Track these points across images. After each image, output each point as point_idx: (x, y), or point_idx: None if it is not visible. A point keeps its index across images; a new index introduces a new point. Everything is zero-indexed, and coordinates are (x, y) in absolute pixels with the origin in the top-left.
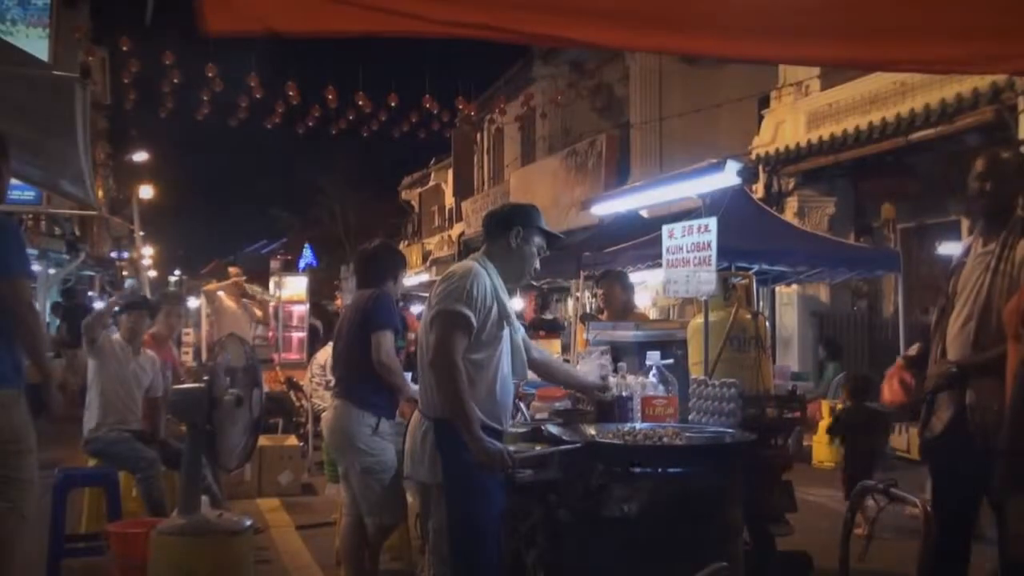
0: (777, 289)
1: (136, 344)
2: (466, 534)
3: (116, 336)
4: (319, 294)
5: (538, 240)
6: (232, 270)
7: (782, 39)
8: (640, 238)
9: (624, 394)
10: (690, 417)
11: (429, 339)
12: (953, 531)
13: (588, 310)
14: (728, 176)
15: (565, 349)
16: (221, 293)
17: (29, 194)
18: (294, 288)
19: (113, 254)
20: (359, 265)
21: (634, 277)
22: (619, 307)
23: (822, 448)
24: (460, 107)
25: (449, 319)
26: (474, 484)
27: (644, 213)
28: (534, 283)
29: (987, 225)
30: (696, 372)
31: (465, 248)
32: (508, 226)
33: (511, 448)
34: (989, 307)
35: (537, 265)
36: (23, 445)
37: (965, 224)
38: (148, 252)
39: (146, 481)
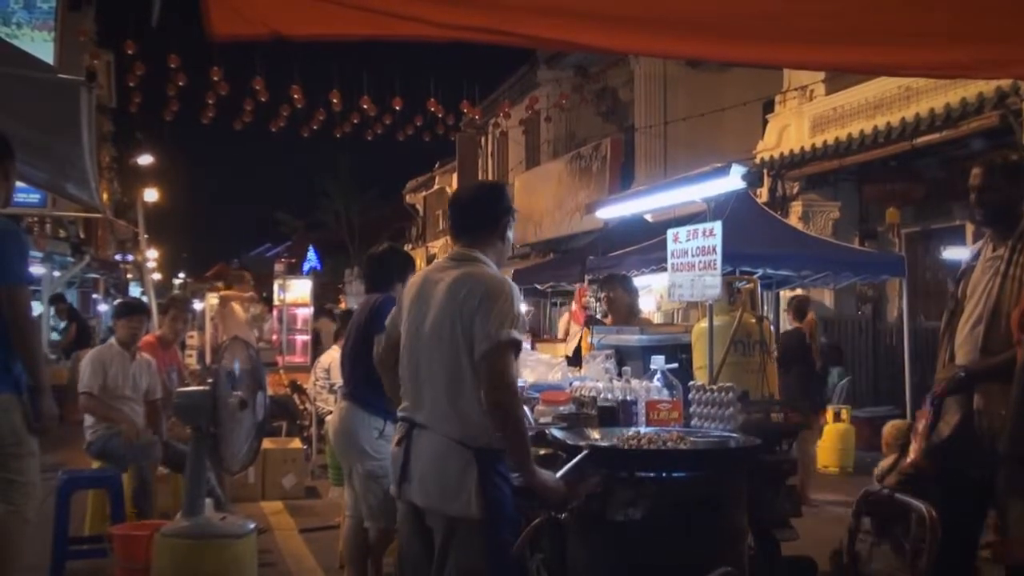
0: (781, 293)
1: (133, 348)
2: (506, 568)
3: (113, 341)
4: (323, 297)
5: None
6: (246, 275)
7: (787, 43)
8: (645, 242)
9: (629, 398)
10: (692, 423)
11: (483, 367)
12: (959, 536)
13: (593, 314)
14: (733, 180)
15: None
16: (235, 303)
17: (34, 197)
18: (298, 291)
19: (118, 257)
20: (367, 269)
21: (639, 281)
22: (623, 311)
23: (827, 453)
24: (464, 111)
25: (509, 349)
26: (510, 516)
27: (648, 217)
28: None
29: (996, 230)
30: (701, 376)
31: None
32: (500, 217)
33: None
34: (998, 312)
35: None
36: (24, 448)
37: (970, 229)
38: (152, 255)
39: (139, 470)
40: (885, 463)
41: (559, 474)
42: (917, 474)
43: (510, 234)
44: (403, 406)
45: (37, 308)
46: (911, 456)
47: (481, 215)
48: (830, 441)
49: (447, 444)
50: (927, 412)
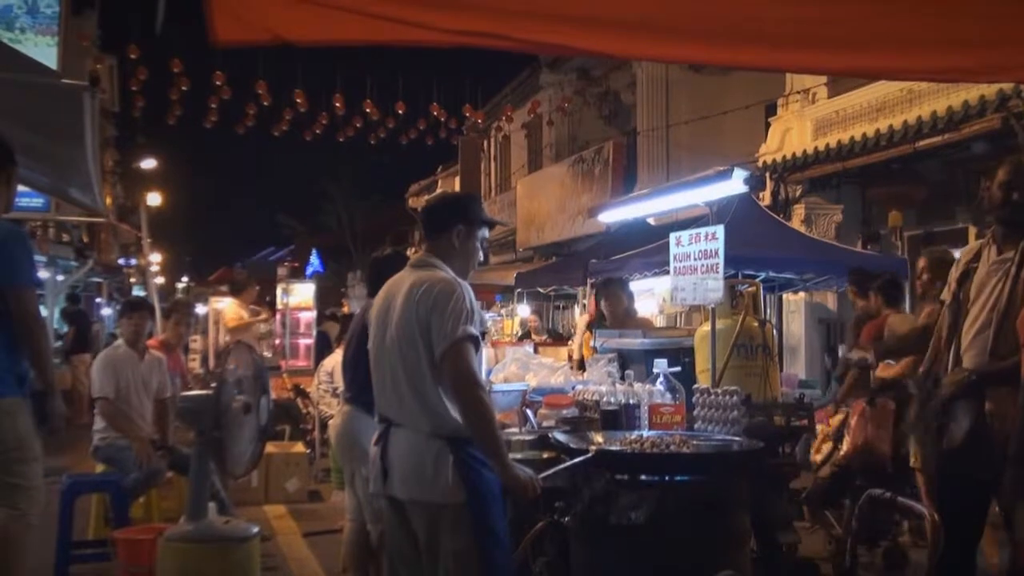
0: (784, 296)
1: (140, 346)
2: (497, 549)
3: (120, 342)
4: (326, 301)
5: (481, 233)
6: (252, 281)
7: (789, 48)
8: (647, 245)
9: (631, 402)
10: (695, 426)
11: (445, 366)
12: (962, 539)
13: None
14: (735, 184)
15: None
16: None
17: (38, 201)
18: (301, 295)
19: (121, 261)
20: (369, 272)
21: (641, 284)
22: (620, 315)
23: None
24: (467, 114)
25: (466, 344)
26: (496, 499)
27: (651, 220)
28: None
29: (1005, 233)
30: (703, 380)
31: None
32: (448, 225)
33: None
34: (1008, 315)
35: (481, 257)
36: (28, 453)
37: (972, 231)
38: (155, 259)
39: (140, 481)
40: (820, 455)
41: (548, 473)
42: (849, 465)
43: (469, 243)
44: (379, 407)
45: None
46: (844, 448)
47: (433, 222)
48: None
49: (419, 437)
50: (863, 407)
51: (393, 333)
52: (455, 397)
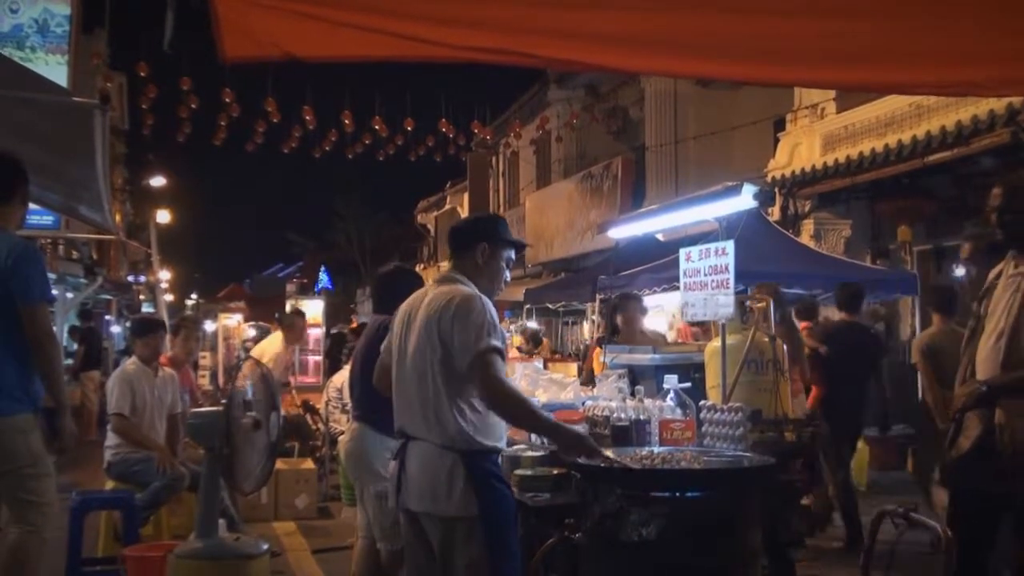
0: (794, 312)
1: (155, 364)
2: (509, 563)
3: (133, 359)
4: (335, 318)
5: (506, 253)
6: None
7: (797, 63)
8: (656, 261)
9: (642, 418)
10: (704, 442)
11: (474, 378)
12: (972, 551)
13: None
14: (744, 199)
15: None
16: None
17: (48, 219)
18: (310, 311)
19: (130, 278)
20: (376, 288)
21: (651, 300)
22: (635, 331)
23: None
24: (476, 131)
25: (492, 355)
26: (509, 514)
27: (660, 236)
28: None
29: (1020, 247)
30: (714, 395)
31: None
32: (473, 244)
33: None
34: (1019, 327)
35: (508, 277)
36: (41, 469)
37: None
38: (165, 276)
39: (162, 489)
40: None
41: None
42: None
43: (494, 263)
44: (398, 422)
45: None
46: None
47: (458, 241)
48: None
49: (434, 450)
50: None
51: (413, 347)
52: (486, 405)
